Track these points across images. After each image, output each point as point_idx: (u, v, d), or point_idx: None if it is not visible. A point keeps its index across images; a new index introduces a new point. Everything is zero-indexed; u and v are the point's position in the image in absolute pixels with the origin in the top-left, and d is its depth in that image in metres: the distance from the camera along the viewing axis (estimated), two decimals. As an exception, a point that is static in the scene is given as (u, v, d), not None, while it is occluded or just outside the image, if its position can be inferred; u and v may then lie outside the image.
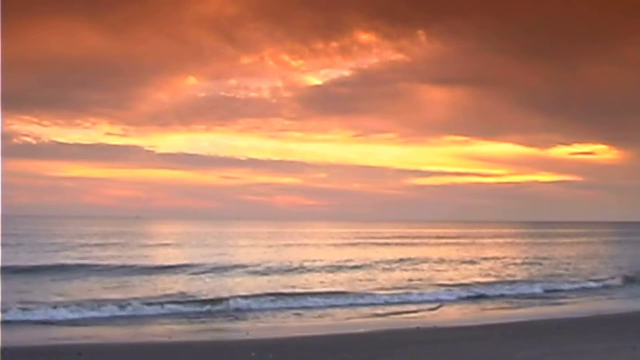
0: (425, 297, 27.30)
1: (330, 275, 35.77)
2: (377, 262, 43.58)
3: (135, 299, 24.25)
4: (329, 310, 23.57)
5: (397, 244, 71.19)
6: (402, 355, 13.55)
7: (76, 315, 21.12)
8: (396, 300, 26.50)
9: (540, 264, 45.72)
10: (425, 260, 46.29)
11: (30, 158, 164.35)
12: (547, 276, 37.05)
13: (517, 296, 28.49)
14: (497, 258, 50.43)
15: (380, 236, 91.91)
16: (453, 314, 23.34)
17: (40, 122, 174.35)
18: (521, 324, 19.50)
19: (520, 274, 38.60)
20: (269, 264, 40.40)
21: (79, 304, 22.67)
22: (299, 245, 66.08)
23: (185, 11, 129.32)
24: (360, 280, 33.66)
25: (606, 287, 32.66)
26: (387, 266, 41.62)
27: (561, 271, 40.52)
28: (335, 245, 67.54)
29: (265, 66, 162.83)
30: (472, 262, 46.59)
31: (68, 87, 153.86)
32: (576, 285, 32.53)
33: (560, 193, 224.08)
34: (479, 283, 32.52)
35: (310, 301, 25.16)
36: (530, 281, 33.76)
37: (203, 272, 35.64)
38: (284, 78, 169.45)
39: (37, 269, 34.90)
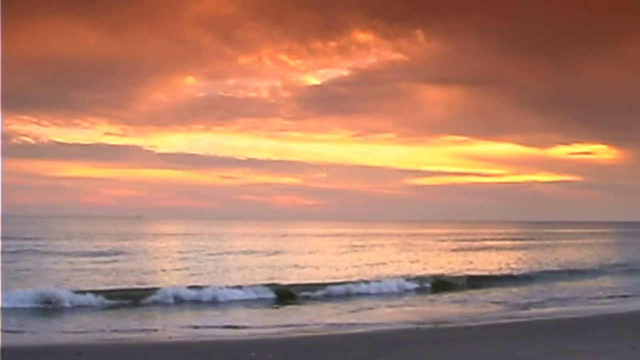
0: None
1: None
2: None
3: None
4: None
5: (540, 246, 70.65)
6: (402, 355, 13.53)
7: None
8: None
9: None
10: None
11: (29, 158, 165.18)
12: None
13: None
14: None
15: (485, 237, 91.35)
16: (453, 314, 23.31)
17: (39, 122, 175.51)
18: (521, 324, 19.50)
19: None
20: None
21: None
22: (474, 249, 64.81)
23: (183, 11, 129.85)
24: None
25: None
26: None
27: None
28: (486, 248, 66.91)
29: (264, 66, 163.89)
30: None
31: (67, 87, 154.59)
32: None
33: (560, 193, 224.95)
34: None
35: None
36: None
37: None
38: (282, 78, 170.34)
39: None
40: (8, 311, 21.36)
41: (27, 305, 22.86)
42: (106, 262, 41.19)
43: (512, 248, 69.01)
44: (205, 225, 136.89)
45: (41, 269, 36.02)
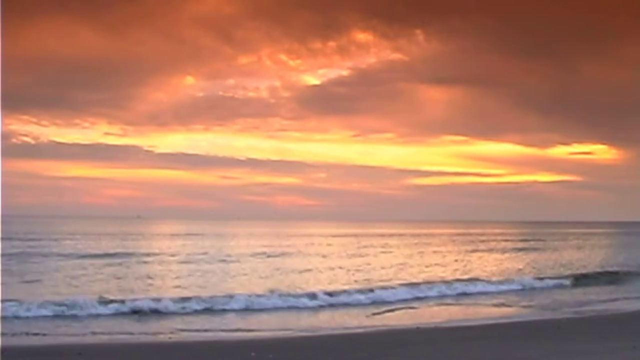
0: None
1: None
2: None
3: None
4: None
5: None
6: (402, 355, 13.53)
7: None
8: None
9: None
10: None
11: (29, 158, 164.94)
12: None
13: None
14: None
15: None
16: (453, 314, 23.32)
17: (38, 122, 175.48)
18: (521, 324, 19.48)
19: None
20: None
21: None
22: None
23: (183, 11, 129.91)
24: None
25: None
26: None
27: None
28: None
29: (263, 66, 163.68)
30: None
31: (67, 87, 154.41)
32: None
33: (560, 193, 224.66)
34: None
35: None
36: None
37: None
38: (282, 78, 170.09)
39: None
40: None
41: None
42: (120, 265, 39.52)
43: (559, 248, 69.32)
44: (213, 225, 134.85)
45: (60, 273, 34.37)
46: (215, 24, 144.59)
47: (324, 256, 50.55)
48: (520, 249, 65.58)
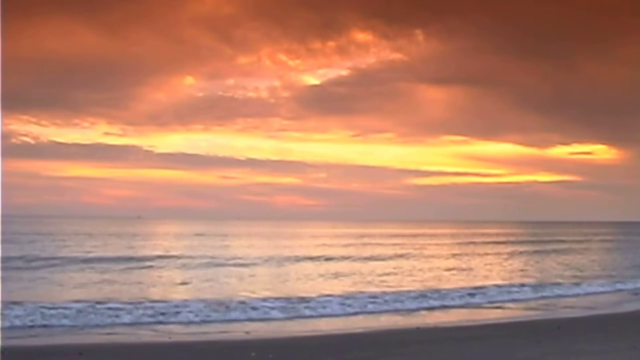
0: None
1: None
2: None
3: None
4: None
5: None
6: (402, 355, 13.55)
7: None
8: None
9: None
10: None
11: (28, 158, 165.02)
12: None
13: None
14: None
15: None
16: (453, 314, 23.31)
17: (38, 122, 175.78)
18: (521, 324, 19.50)
19: None
20: None
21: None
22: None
23: (182, 11, 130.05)
24: None
25: None
26: None
27: None
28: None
29: (263, 66, 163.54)
30: None
31: (66, 87, 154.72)
32: None
33: (560, 193, 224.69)
34: None
35: None
36: None
37: None
38: (281, 78, 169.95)
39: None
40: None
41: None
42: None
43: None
44: (216, 226, 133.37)
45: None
46: (215, 24, 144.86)
47: (384, 259, 49.25)
48: (557, 251, 63.36)
